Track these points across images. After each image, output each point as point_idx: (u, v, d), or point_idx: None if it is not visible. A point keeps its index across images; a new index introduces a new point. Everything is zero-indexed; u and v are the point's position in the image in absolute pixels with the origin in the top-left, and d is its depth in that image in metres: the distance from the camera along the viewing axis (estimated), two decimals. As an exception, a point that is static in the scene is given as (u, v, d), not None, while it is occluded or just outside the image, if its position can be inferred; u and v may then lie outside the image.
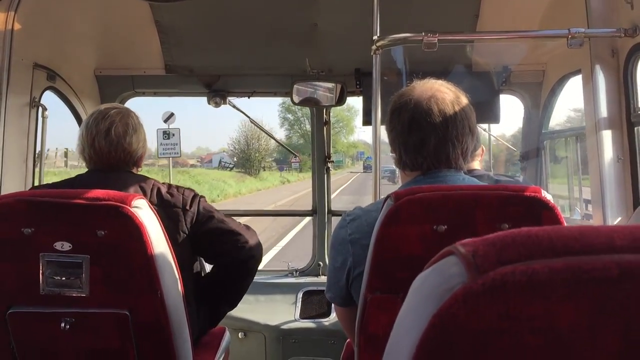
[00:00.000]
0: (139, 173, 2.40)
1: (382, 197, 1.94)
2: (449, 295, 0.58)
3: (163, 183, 2.36)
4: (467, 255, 0.60)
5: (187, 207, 2.30)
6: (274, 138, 5.35)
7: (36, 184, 3.15)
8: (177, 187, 2.37)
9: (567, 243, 0.58)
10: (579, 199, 3.51)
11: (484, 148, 2.86)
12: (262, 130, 6.67)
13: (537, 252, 0.58)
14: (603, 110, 2.63)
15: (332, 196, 4.13)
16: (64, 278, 1.88)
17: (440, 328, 0.58)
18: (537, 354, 0.56)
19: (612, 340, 0.56)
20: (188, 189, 2.40)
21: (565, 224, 1.79)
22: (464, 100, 1.83)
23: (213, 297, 2.48)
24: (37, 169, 3.20)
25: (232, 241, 2.38)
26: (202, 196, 2.42)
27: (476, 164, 2.75)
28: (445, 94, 1.81)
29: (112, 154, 2.27)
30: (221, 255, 2.43)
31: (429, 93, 1.80)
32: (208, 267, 2.69)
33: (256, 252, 2.46)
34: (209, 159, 74.53)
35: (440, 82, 1.87)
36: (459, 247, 0.62)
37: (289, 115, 68.99)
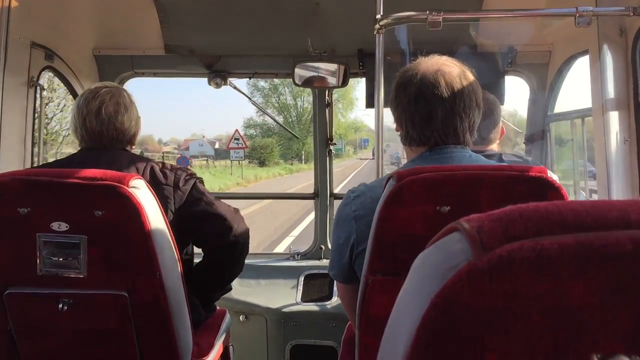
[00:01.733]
0: (132, 151, 2.38)
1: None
2: (453, 273, 0.55)
3: (158, 162, 2.33)
4: (472, 231, 0.56)
5: (179, 185, 2.25)
6: (275, 120, 5.31)
7: (35, 163, 3.13)
8: (172, 166, 2.33)
9: (578, 218, 0.55)
10: (585, 184, 3.47)
11: (505, 129, 2.81)
12: (263, 112, 6.63)
13: (545, 227, 0.55)
14: (610, 91, 2.59)
15: (343, 184, 4.10)
16: (61, 259, 1.86)
17: (443, 307, 0.55)
18: (545, 333, 0.53)
19: (625, 319, 0.53)
20: (184, 169, 2.35)
21: None
22: (470, 75, 1.82)
23: (202, 283, 2.45)
24: (35, 149, 3.18)
25: (216, 225, 2.33)
26: (199, 178, 2.37)
27: (494, 146, 2.71)
28: (451, 67, 1.80)
29: (104, 133, 2.24)
30: (205, 240, 2.39)
31: (435, 67, 1.79)
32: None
33: (241, 239, 2.38)
34: (186, 145, 72.03)
35: (445, 57, 1.85)
36: (463, 223, 0.58)
37: (263, 83, 61.16)
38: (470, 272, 0.54)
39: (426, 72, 1.78)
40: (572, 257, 0.52)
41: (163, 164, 2.33)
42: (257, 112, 66.61)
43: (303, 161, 64.95)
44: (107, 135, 2.25)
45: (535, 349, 0.53)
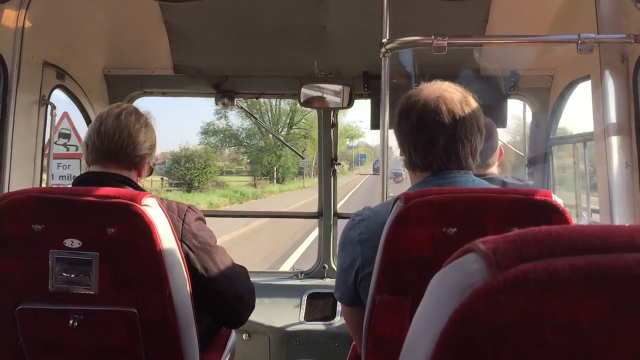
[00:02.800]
0: (140, 184, 2.27)
1: (389, 198, 1.95)
2: (470, 291, 0.58)
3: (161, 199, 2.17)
4: (488, 252, 0.60)
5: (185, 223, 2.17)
6: (280, 139, 5.33)
7: (44, 181, 3.16)
8: (177, 203, 2.23)
9: (588, 241, 0.59)
10: (587, 207, 3.50)
11: (502, 150, 2.86)
12: (268, 131, 6.67)
13: (557, 249, 0.58)
14: (612, 116, 2.63)
15: (342, 202, 4.13)
16: (73, 275, 1.88)
17: (461, 324, 0.58)
18: (558, 350, 0.56)
19: (634, 339, 0.56)
20: (186, 205, 2.26)
21: None
22: (472, 100, 1.86)
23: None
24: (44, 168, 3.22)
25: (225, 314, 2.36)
26: (199, 217, 2.25)
27: (494, 169, 2.75)
28: (453, 94, 1.83)
29: (115, 137, 2.15)
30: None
31: (437, 93, 1.83)
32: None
33: (248, 310, 2.41)
34: (162, 160, 63.90)
35: (447, 83, 1.89)
36: (479, 245, 0.62)
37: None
38: (486, 290, 0.57)
39: (428, 99, 1.82)
40: (583, 277, 0.55)
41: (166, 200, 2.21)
42: (216, 114, 55.18)
43: (275, 180, 54.35)
44: (118, 140, 2.15)
45: None
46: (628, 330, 0.56)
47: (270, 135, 52.01)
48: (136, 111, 2.26)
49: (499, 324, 0.57)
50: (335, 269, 3.69)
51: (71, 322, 1.90)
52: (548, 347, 0.56)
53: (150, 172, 2.35)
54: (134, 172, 2.24)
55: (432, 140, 1.81)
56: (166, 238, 1.91)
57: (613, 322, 0.56)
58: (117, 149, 2.17)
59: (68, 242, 1.86)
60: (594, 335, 0.56)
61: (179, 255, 2.00)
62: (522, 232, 0.62)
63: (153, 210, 1.88)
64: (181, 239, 2.11)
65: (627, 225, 0.62)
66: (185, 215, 2.17)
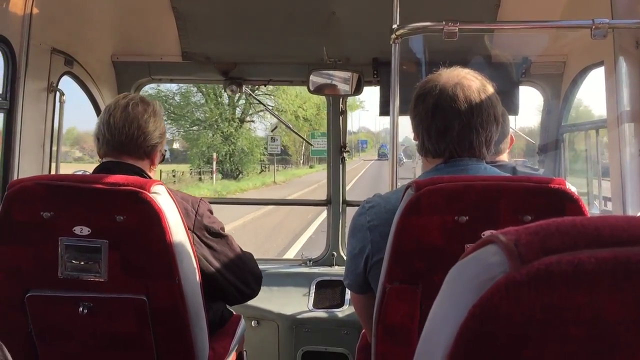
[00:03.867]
0: (152, 173, 2.30)
1: (398, 186, 1.94)
2: (490, 284, 0.56)
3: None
4: (509, 244, 0.58)
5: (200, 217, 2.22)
6: (289, 127, 5.30)
7: (53, 168, 3.17)
8: (189, 195, 2.29)
9: (614, 233, 0.57)
10: (598, 194, 3.47)
11: (514, 138, 2.83)
12: (279, 119, 6.64)
13: (582, 241, 0.56)
14: (625, 103, 2.60)
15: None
16: (82, 262, 1.89)
17: (481, 318, 0.56)
18: (581, 345, 0.55)
19: None
20: (197, 197, 2.31)
21: None
22: (490, 89, 1.83)
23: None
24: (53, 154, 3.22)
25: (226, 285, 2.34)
26: (209, 208, 2.30)
27: (505, 156, 2.73)
28: (471, 81, 1.81)
29: (125, 129, 2.16)
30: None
31: (455, 80, 1.80)
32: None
33: (248, 292, 2.44)
34: None
35: (467, 70, 1.86)
36: (500, 236, 0.60)
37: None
38: (508, 284, 0.55)
39: (446, 85, 1.80)
40: (609, 271, 0.53)
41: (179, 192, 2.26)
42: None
43: (222, 175, 38.87)
44: (127, 132, 2.16)
45: None
46: None
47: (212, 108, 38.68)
48: (143, 100, 2.26)
49: (520, 319, 0.55)
50: (344, 256, 3.70)
51: (81, 309, 1.91)
52: (571, 343, 0.55)
53: (162, 160, 2.38)
54: (147, 161, 2.27)
55: (447, 126, 1.79)
56: (175, 226, 1.90)
57: (639, 318, 0.54)
58: (128, 140, 2.18)
59: (77, 230, 1.86)
60: (619, 330, 0.54)
61: (188, 244, 2.00)
62: (545, 222, 0.60)
63: (162, 198, 1.87)
64: (193, 229, 2.14)
65: None
66: (198, 206, 2.21)
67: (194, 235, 2.15)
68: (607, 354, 0.55)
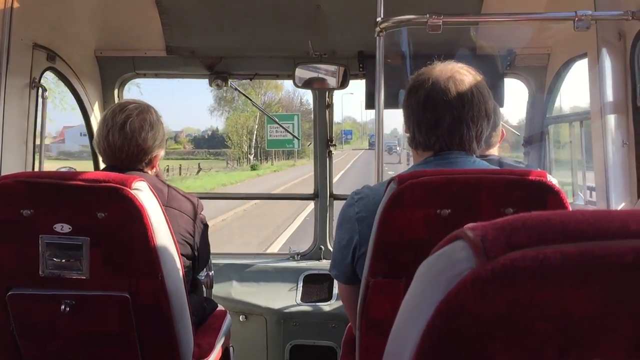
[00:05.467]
0: (153, 173, 2.37)
1: (385, 179, 1.94)
2: (457, 281, 0.56)
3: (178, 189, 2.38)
4: (476, 239, 0.58)
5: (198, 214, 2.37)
6: (276, 122, 5.28)
7: (36, 164, 3.14)
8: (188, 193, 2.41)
9: (580, 227, 0.56)
10: (583, 185, 3.48)
11: (504, 131, 2.84)
12: (264, 113, 6.58)
13: (548, 236, 0.56)
14: (609, 94, 2.60)
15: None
16: (63, 260, 1.87)
17: (447, 315, 0.56)
18: (548, 341, 0.55)
19: (627, 329, 0.54)
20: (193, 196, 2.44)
21: (571, 209, 1.78)
22: (483, 84, 1.83)
23: None
24: (36, 151, 3.19)
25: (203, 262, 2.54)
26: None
27: (494, 151, 2.73)
28: (464, 75, 1.81)
29: (124, 148, 2.22)
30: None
31: (448, 74, 1.80)
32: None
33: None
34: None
35: (460, 64, 1.86)
36: (467, 232, 0.60)
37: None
38: (474, 280, 0.55)
39: (438, 78, 1.80)
40: (575, 267, 0.53)
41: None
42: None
43: None
44: (127, 150, 2.22)
45: (538, 357, 0.55)
46: (621, 320, 0.54)
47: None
48: (140, 113, 2.27)
49: (486, 315, 0.55)
50: (332, 249, 3.70)
51: (63, 307, 1.89)
52: (538, 338, 0.54)
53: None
54: (149, 167, 2.35)
55: (437, 120, 1.79)
56: (157, 222, 1.89)
57: (605, 312, 0.54)
58: (128, 158, 2.25)
59: (58, 227, 1.84)
60: (585, 325, 0.54)
61: (171, 240, 1.99)
62: (512, 218, 0.59)
63: (144, 195, 1.86)
64: (194, 227, 2.32)
65: (620, 209, 0.60)
66: (198, 203, 2.38)
67: (196, 231, 2.34)
68: (574, 348, 0.55)
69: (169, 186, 2.31)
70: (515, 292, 0.54)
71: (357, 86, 3.71)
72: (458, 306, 0.55)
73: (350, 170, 38.95)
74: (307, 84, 3.66)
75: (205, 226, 2.46)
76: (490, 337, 0.55)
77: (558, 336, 0.54)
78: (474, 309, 0.55)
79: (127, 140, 2.22)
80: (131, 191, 1.81)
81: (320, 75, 3.64)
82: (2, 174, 2.73)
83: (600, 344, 0.54)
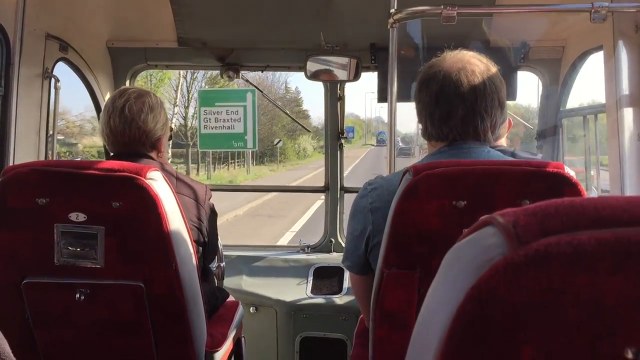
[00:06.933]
0: (160, 159, 2.37)
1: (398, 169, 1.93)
2: (488, 267, 0.55)
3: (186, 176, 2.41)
4: (507, 225, 0.57)
5: (206, 201, 2.39)
6: (286, 113, 5.26)
7: (49, 154, 3.15)
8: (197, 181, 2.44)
9: (615, 214, 0.55)
10: (597, 180, 3.46)
11: (512, 121, 2.82)
12: (275, 105, 6.57)
13: (582, 222, 0.55)
14: (625, 88, 2.58)
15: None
16: (78, 249, 1.88)
17: (479, 301, 0.55)
18: (581, 328, 0.54)
19: None
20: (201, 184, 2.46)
21: None
22: (495, 72, 1.80)
23: None
24: (49, 140, 3.20)
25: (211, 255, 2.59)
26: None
27: (503, 141, 2.71)
28: (475, 66, 1.77)
29: (125, 131, 2.23)
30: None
31: (459, 65, 1.77)
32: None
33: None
34: None
35: (471, 53, 1.83)
36: (498, 217, 0.59)
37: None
38: (506, 266, 0.54)
39: (450, 70, 1.77)
40: (610, 252, 0.52)
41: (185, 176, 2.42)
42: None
43: None
44: (129, 134, 2.23)
45: (571, 343, 0.54)
46: None
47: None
48: (138, 97, 2.28)
49: (518, 301, 0.54)
50: (343, 242, 3.70)
51: (77, 295, 1.90)
52: (570, 325, 0.54)
53: (170, 138, 2.53)
54: (154, 152, 2.34)
55: (449, 112, 1.77)
56: (172, 212, 1.89)
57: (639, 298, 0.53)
58: (131, 141, 2.26)
59: (73, 216, 1.84)
60: (619, 311, 0.53)
61: (185, 229, 1.99)
62: (544, 203, 0.58)
63: (158, 184, 1.86)
64: (199, 214, 2.32)
65: None
66: (206, 189, 2.40)
67: (202, 217, 2.35)
68: (608, 334, 0.54)
69: (176, 173, 2.33)
70: (549, 278, 0.53)
71: (363, 79, 3.63)
72: (490, 292, 0.55)
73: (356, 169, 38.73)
74: (318, 75, 3.65)
75: (214, 213, 2.47)
76: (522, 324, 0.54)
77: (591, 323, 0.54)
78: (506, 294, 0.54)
79: (128, 124, 2.23)
80: (146, 181, 1.81)
81: (332, 68, 3.63)
82: (15, 163, 2.74)
83: (634, 331, 0.54)
